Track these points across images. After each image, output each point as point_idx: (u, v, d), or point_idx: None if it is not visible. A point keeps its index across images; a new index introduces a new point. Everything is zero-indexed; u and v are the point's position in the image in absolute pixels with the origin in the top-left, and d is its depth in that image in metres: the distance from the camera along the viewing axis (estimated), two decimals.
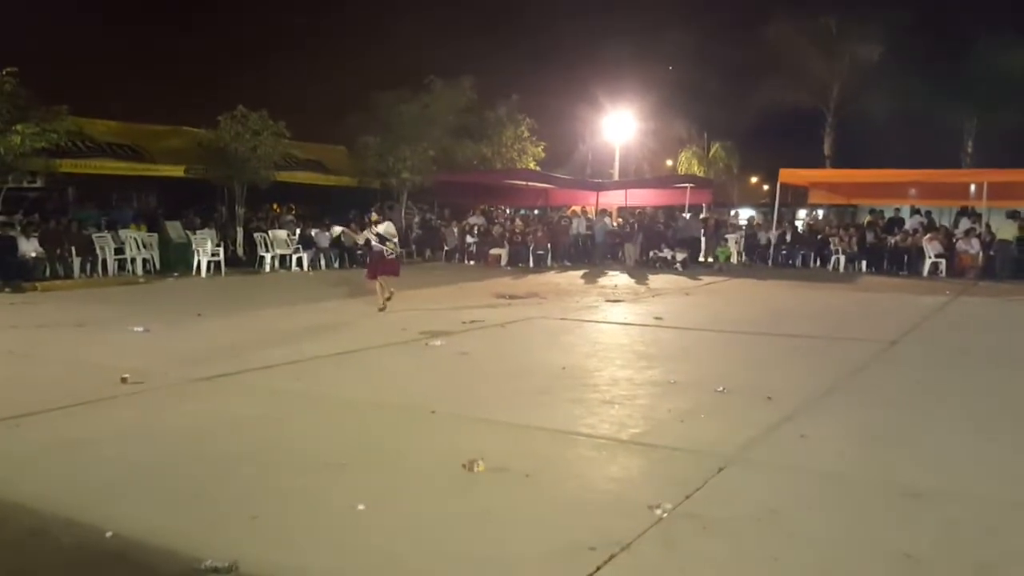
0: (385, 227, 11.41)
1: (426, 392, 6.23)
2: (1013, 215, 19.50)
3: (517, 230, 22.31)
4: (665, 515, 3.66)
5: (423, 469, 4.40)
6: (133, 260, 16.36)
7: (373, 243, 11.20)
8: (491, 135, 27.26)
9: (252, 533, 3.52)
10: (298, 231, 19.74)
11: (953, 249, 18.67)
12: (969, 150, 28.77)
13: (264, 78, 30.51)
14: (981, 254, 18.16)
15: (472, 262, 21.75)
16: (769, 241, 21.96)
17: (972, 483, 4.22)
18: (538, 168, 28.76)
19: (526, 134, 28.68)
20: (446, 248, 22.77)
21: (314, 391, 6.32)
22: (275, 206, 23.41)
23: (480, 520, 3.70)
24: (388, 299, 10.99)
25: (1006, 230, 18.28)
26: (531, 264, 20.76)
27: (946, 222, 21.25)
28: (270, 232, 18.93)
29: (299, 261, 18.75)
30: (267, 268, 18.01)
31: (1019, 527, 3.64)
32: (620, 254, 22.47)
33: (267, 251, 18.26)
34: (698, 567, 3.22)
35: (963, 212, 21.26)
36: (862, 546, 3.40)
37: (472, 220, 23.77)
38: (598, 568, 3.13)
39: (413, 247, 22.70)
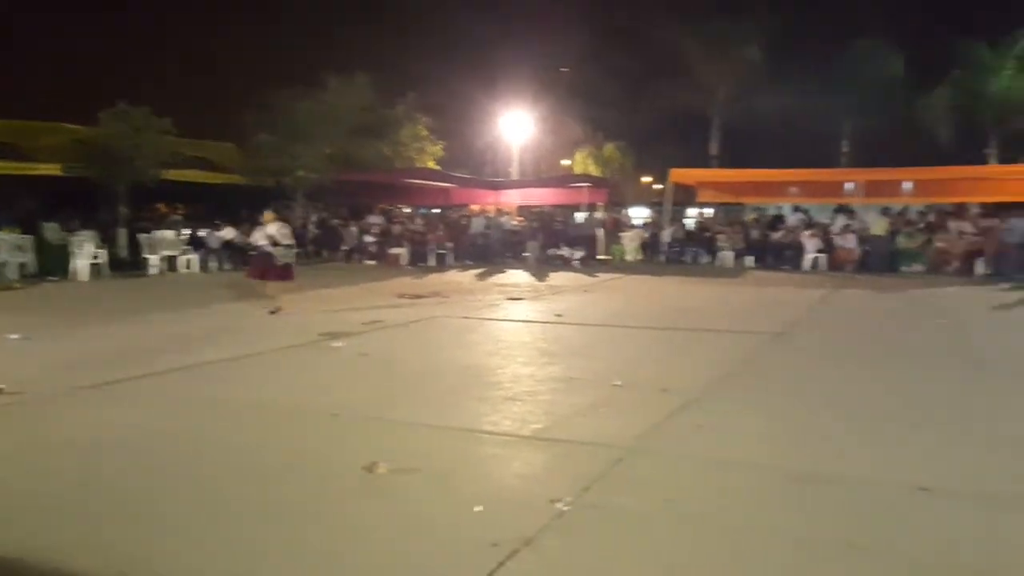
0: (277, 228, 10.97)
1: (327, 395, 6.14)
2: (885, 211, 20.84)
3: (417, 229, 22.21)
4: (566, 508, 3.74)
5: (323, 473, 4.33)
6: (5, 264, 15.32)
7: (263, 244, 10.80)
8: (390, 134, 27.02)
9: (147, 547, 3.38)
10: (186, 232, 18.99)
11: (831, 244, 19.77)
12: (844, 150, 30.52)
13: (148, 72, 29.22)
14: (857, 249, 19.31)
15: (372, 262, 21.49)
16: (662, 238, 22.66)
17: (857, 467, 4.45)
18: (438, 167, 28.72)
19: (424, 133, 28.56)
20: (345, 248, 22.42)
21: (209, 396, 6.12)
22: (162, 206, 22.45)
23: (381, 522, 3.67)
24: (273, 311, 10.54)
25: (879, 226, 19.50)
26: (432, 263, 20.71)
27: (824, 219, 22.45)
28: (156, 233, 18.14)
29: (188, 263, 18.05)
30: (153, 271, 17.24)
31: (904, 508, 3.86)
32: (522, 252, 22.71)
33: (153, 253, 17.49)
34: (598, 557, 3.31)
35: (839, 209, 22.53)
36: (757, 531, 3.56)
37: (371, 219, 23.49)
38: (500, 564, 3.17)
39: (310, 247, 22.24)
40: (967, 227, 19.14)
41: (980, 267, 17.80)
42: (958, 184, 21.80)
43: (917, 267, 18.68)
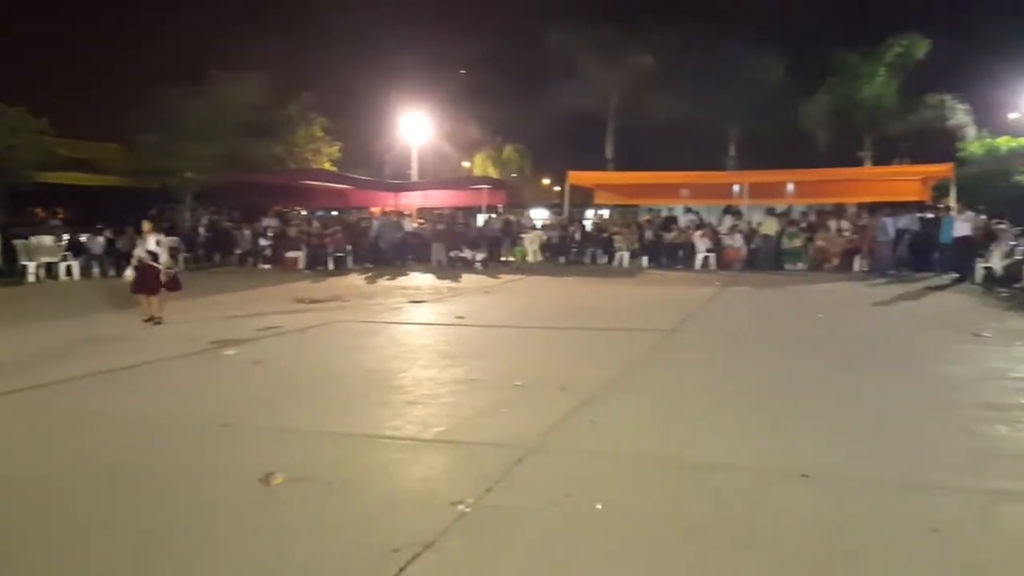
0: (157, 240, 10.31)
1: (219, 405, 5.95)
2: (772, 212, 21.88)
3: (315, 232, 21.76)
4: (468, 509, 3.77)
5: (217, 487, 4.20)
6: None
7: (144, 259, 10.17)
8: (283, 134, 26.38)
9: (32, 571, 3.20)
10: (66, 237, 17.99)
11: (720, 244, 20.58)
12: (732, 153, 31.82)
13: (23, 70, 27.48)
14: (744, 248, 20.16)
15: (267, 266, 20.92)
16: (561, 240, 23.03)
17: (743, 456, 4.66)
18: (334, 168, 28.23)
19: (320, 133, 28.04)
20: (238, 252, 21.72)
21: (94, 409, 5.83)
22: (39, 210, 21.19)
23: (280, 534, 3.60)
24: (156, 321, 10.00)
25: (769, 226, 20.43)
26: (331, 267, 20.34)
27: (714, 219, 23.36)
28: (32, 239, 17.10)
29: (69, 269, 17.10)
30: (30, 278, 16.25)
31: (780, 494, 4.08)
32: (425, 255, 22.59)
33: (30, 259, 16.47)
34: (499, 555, 3.35)
35: (728, 210, 23.49)
36: (649, 520, 3.70)
37: (266, 222, 22.84)
38: (402, 569, 3.17)
39: (200, 252, 21.45)
40: (845, 226, 20.32)
41: (857, 264, 18.92)
42: (836, 185, 23.17)
43: (800, 265, 19.68)
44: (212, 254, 21.88)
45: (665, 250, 21.53)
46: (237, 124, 21.91)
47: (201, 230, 22.51)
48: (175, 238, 18.38)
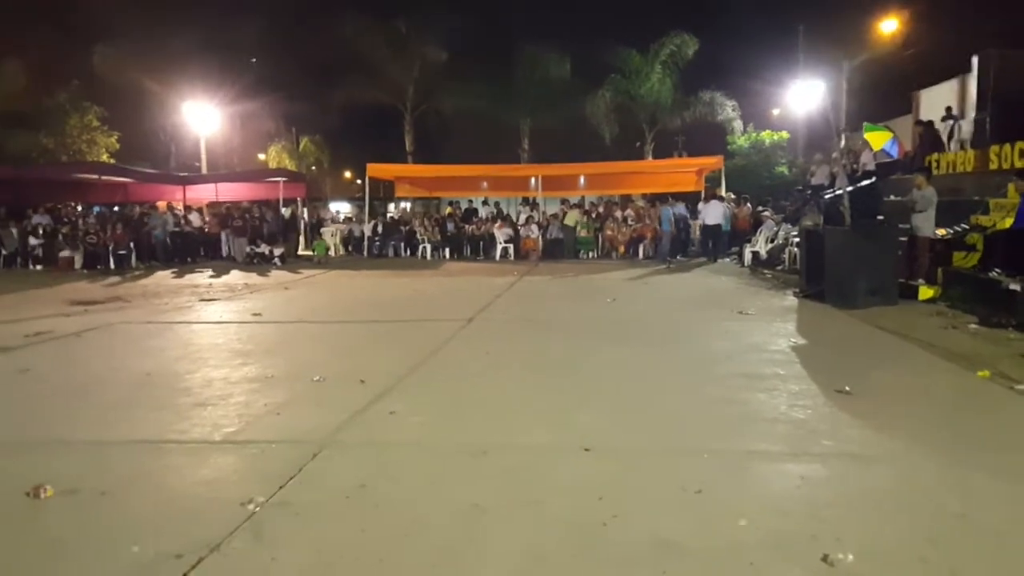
0: None
1: None
2: (566, 202, 22.98)
3: (92, 230, 20.00)
4: (257, 509, 3.71)
5: None
6: None
7: None
8: (52, 124, 23.98)
9: None
10: None
11: (518, 234, 21.33)
12: (525, 147, 32.97)
13: None
14: (540, 238, 21.02)
15: (39, 267, 18.99)
16: (363, 233, 22.81)
17: (529, 435, 4.93)
18: (113, 160, 26.07)
19: (95, 123, 25.79)
20: (4, 253, 19.54)
21: None
22: None
23: (49, 548, 3.37)
24: None
25: (571, 217, 21.42)
26: (112, 266, 18.82)
27: (512, 211, 24.13)
28: None
29: None
30: None
31: (564, 467, 4.36)
32: (228, 250, 21.46)
33: None
34: (287, 553, 3.32)
35: (524, 202, 24.36)
36: (437, 503, 3.82)
37: (36, 219, 20.69)
38: (185, 574, 3.08)
39: None
40: (630, 216, 21.76)
41: (642, 251, 20.34)
42: (622, 178, 24.73)
43: (592, 254, 20.86)
44: None
45: (467, 242, 21.98)
46: None
47: None
48: None
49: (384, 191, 30.17)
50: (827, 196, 14.43)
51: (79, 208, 24.29)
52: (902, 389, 6.12)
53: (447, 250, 21.75)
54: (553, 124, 31.13)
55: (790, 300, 11.45)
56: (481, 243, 21.65)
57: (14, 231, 20.00)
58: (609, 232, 21.14)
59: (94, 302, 12.07)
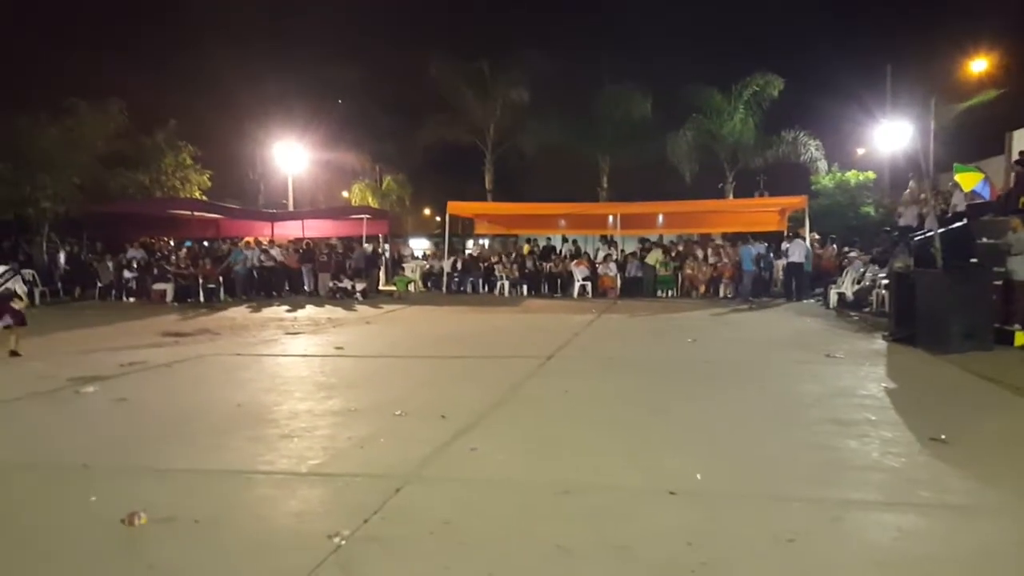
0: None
1: (76, 445, 5.61)
2: (646, 241, 22.85)
3: (183, 264, 20.86)
4: (343, 542, 3.71)
5: (77, 530, 3.96)
6: None
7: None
8: (149, 162, 25.27)
9: None
10: None
11: (596, 272, 21.24)
12: (604, 185, 32.97)
13: None
14: (618, 276, 20.88)
15: (133, 299, 19.88)
16: (443, 269, 23.11)
17: (613, 476, 4.82)
18: (205, 197, 27.24)
19: (189, 161, 27.04)
20: (100, 285, 20.52)
21: None
22: None
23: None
24: (14, 353, 9.60)
25: (653, 256, 21.29)
26: (201, 299, 19.55)
27: (591, 249, 24.08)
28: None
29: None
30: None
31: (650, 510, 4.24)
32: (311, 285, 22.04)
33: None
34: None
35: (603, 240, 24.28)
36: (522, 543, 3.76)
37: (131, 253, 21.69)
38: None
39: (59, 285, 20.13)
40: (710, 255, 21.42)
41: (723, 290, 19.95)
42: (702, 216, 24.44)
43: (671, 292, 20.58)
44: (72, 288, 20.55)
45: (544, 279, 22.01)
46: (97, 153, 20.85)
47: (60, 263, 21.12)
48: (30, 271, 17.28)
49: (463, 228, 30.57)
50: (917, 238, 13.88)
51: (171, 243, 25.40)
52: (1001, 438, 5.79)
53: (525, 287, 21.81)
54: (632, 163, 31.08)
55: (879, 343, 11.01)
56: (559, 280, 21.64)
57: (110, 264, 20.95)
58: (689, 271, 20.84)
59: (184, 334, 12.52)
